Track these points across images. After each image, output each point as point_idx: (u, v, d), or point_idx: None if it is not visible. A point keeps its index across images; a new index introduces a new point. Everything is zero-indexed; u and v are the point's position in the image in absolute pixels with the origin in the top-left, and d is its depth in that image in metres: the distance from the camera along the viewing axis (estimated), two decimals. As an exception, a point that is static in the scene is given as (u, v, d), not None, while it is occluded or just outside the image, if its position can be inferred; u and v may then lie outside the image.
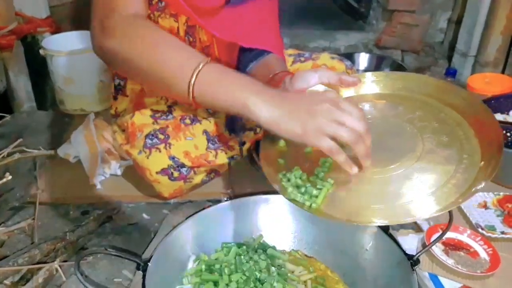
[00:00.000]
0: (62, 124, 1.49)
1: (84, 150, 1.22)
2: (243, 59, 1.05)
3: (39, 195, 1.12)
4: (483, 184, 0.62)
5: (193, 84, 0.69)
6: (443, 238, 0.98)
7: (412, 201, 0.63)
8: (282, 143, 0.78)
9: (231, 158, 1.08)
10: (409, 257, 0.70)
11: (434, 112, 0.76)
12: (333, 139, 0.64)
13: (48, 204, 1.10)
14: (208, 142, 1.04)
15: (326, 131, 0.63)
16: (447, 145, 0.69)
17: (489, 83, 1.51)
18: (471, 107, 0.73)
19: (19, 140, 1.14)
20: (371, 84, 0.83)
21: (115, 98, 1.15)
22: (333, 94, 0.68)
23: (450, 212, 0.70)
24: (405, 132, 0.73)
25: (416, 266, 0.68)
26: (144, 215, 1.08)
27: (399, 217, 0.62)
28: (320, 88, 0.77)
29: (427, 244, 0.93)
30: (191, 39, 1.02)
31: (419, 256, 0.70)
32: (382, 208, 0.63)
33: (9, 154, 1.13)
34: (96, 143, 1.23)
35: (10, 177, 0.79)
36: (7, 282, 0.86)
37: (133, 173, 1.14)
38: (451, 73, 1.74)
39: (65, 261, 0.93)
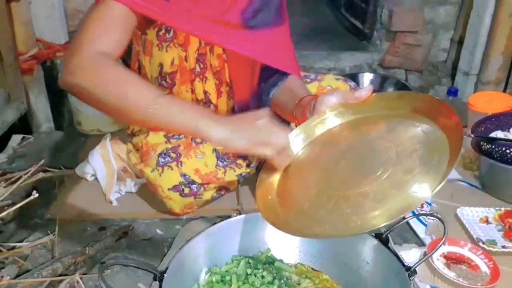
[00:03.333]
0: (79, 144, 1.56)
1: (101, 169, 1.27)
2: (263, 87, 1.10)
3: (59, 212, 1.17)
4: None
5: (151, 113, 0.76)
6: (445, 252, 1.02)
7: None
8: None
9: (240, 175, 1.12)
10: (407, 268, 0.73)
11: (406, 123, 0.78)
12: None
13: (67, 221, 1.15)
14: (217, 160, 1.09)
15: (267, 142, 0.74)
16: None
17: (490, 101, 1.51)
18: (433, 107, 0.76)
19: (42, 161, 1.21)
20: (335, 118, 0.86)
21: (130, 119, 1.21)
22: (265, 113, 0.77)
23: (444, 226, 0.74)
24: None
25: (413, 277, 0.71)
26: (158, 231, 1.13)
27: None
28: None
29: (428, 257, 0.96)
30: (202, 65, 1.08)
31: (416, 267, 0.73)
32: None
33: (32, 174, 1.20)
34: (112, 162, 1.27)
35: (37, 194, 0.85)
36: (30, 293, 0.91)
37: (148, 191, 1.19)
38: (452, 92, 1.77)
39: (84, 273, 0.97)
